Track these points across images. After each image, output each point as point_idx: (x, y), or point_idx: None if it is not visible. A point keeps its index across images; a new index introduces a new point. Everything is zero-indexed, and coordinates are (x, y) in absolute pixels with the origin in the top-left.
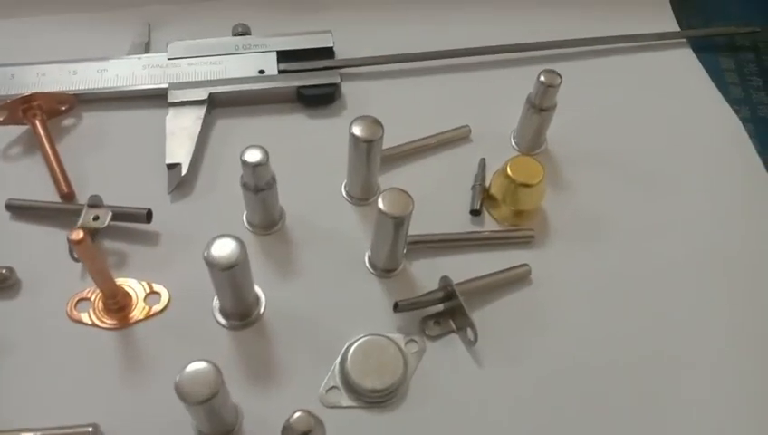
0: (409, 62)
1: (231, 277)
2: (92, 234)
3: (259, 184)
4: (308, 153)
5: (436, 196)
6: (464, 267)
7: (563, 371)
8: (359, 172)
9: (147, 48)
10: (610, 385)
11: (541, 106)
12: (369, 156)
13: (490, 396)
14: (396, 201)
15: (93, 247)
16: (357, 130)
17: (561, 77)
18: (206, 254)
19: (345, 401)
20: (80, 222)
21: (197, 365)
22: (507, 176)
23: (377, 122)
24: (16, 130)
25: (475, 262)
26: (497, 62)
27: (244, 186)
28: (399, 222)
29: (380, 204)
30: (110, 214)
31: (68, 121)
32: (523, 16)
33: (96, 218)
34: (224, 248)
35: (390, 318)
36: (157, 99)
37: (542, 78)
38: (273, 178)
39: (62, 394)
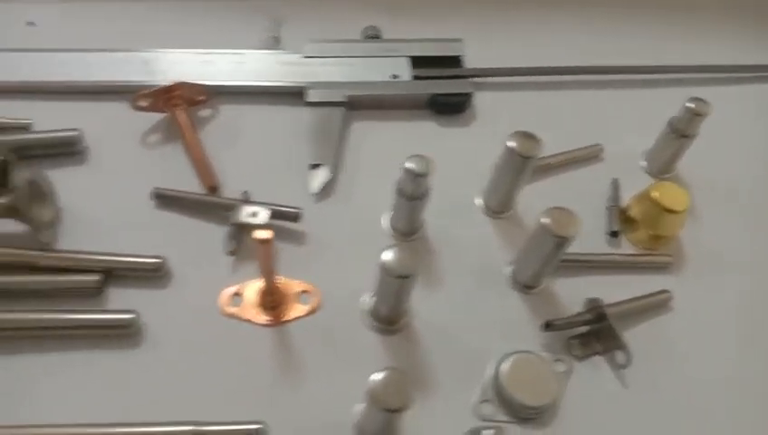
0: (543, 75)
1: (401, 285)
2: (245, 230)
3: (416, 193)
4: (439, 162)
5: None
6: (600, 288)
7: (705, 398)
8: (503, 185)
9: (276, 43)
10: (753, 416)
11: (684, 132)
12: (521, 171)
13: (636, 421)
14: (563, 221)
15: (273, 247)
16: (514, 144)
17: (710, 106)
18: (382, 259)
19: (499, 414)
20: (237, 218)
21: (390, 373)
22: (652, 200)
23: (535, 138)
24: (153, 118)
25: (610, 283)
26: (630, 82)
27: (400, 192)
28: (562, 242)
29: (546, 222)
30: (269, 212)
31: (203, 113)
32: (661, 38)
33: (254, 215)
34: (401, 257)
35: (533, 335)
36: (291, 96)
37: (692, 105)
38: (429, 189)
39: (216, 388)
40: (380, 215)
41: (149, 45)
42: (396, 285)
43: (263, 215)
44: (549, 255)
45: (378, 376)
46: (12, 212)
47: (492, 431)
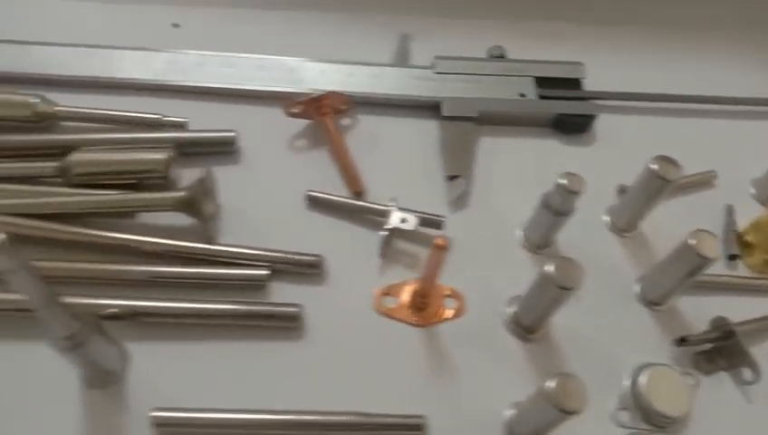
0: (662, 102)
1: (560, 296)
2: (394, 235)
3: (563, 208)
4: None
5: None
6: (718, 308)
7: None
8: (637, 205)
9: (406, 59)
10: None
11: None
12: (659, 193)
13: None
14: (708, 243)
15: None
16: (656, 167)
17: None
18: (545, 270)
19: (638, 422)
20: (388, 223)
21: (568, 376)
22: None
23: (676, 163)
24: (299, 123)
25: (726, 304)
26: (745, 113)
27: (547, 205)
28: (704, 263)
29: (693, 242)
30: (418, 219)
31: (344, 121)
32: None
33: (404, 221)
34: (565, 269)
35: (660, 349)
36: (423, 109)
37: None
38: (575, 207)
39: (373, 382)
40: (510, 226)
41: (282, 53)
42: (555, 295)
43: (412, 221)
44: (687, 274)
45: (555, 379)
46: (185, 206)
47: None
